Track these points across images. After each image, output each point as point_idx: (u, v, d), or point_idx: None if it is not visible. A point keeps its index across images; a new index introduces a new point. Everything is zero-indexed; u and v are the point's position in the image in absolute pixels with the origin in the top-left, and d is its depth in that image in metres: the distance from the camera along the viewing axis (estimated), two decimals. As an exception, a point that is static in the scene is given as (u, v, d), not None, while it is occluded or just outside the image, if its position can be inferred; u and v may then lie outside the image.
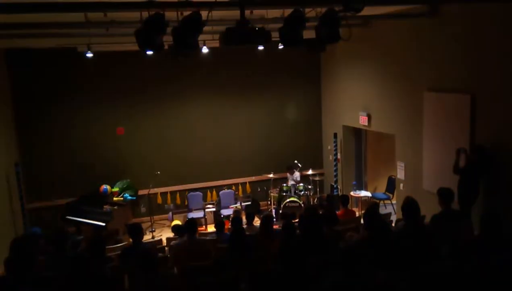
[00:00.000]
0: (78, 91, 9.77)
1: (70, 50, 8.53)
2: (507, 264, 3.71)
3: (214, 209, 10.12)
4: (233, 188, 10.96)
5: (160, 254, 5.80)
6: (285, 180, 10.61)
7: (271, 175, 10.42)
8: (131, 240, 5.51)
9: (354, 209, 9.50)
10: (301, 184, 10.25)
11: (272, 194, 10.49)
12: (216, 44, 6.84)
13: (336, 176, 10.68)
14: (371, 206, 5.61)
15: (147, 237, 9.22)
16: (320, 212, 5.46)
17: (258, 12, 6.54)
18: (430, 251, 4.12)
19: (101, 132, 10.06)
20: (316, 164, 11.30)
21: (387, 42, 8.44)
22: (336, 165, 10.65)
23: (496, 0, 5.67)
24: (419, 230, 4.62)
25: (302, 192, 10.11)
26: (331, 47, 8.42)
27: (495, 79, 5.99)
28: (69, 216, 9.11)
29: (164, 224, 10.35)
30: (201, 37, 5.02)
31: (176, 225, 8.95)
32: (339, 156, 10.68)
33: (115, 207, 9.22)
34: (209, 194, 10.84)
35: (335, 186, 10.65)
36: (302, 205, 9.58)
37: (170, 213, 10.21)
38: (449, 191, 5.38)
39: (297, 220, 6.83)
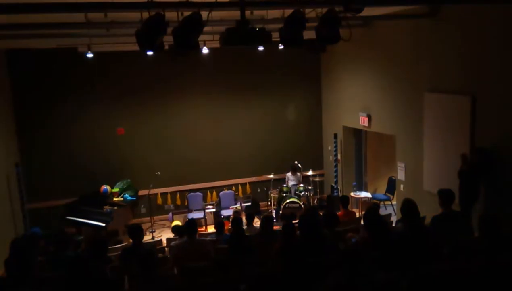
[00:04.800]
0: (79, 92, 9.77)
1: (70, 50, 8.52)
2: (507, 265, 3.70)
3: (214, 210, 10.11)
4: (233, 188, 10.95)
5: (160, 255, 5.80)
6: (285, 180, 10.60)
7: (271, 176, 10.39)
8: (131, 240, 5.51)
9: (354, 210, 9.49)
10: (301, 185, 10.24)
11: (272, 195, 10.48)
12: (216, 44, 6.84)
13: (336, 176, 10.67)
14: (371, 207, 5.61)
15: (147, 238, 9.21)
16: (321, 214, 5.45)
17: (258, 13, 6.54)
18: (431, 252, 4.11)
19: (102, 132, 10.05)
20: (316, 164, 11.28)
21: (388, 43, 8.44)
22: (336, 166, 10.64)
23: (495, 1, 5.67)
24: (418, 231, 4.61)
25: (302, 193, 10.09)
26: (331, 47, 8.45)
27: (495, 81, 5.98)
28: (69, 216, 9.11)
29: (164, 225, 10.35)
30: (201, 37, 5.02)
31: (176, 226, 8.93)
32: (339, 157, 10.67)
33: (115, 208, 9.20)
34: (209, 194, 10.83)
35: (335, 186, 10.63)
36: (302, 205, 9.56)
37: (170, 214, 10.20)
38: (450, 192, 5.37)
39: (297, 221, 6.81)
